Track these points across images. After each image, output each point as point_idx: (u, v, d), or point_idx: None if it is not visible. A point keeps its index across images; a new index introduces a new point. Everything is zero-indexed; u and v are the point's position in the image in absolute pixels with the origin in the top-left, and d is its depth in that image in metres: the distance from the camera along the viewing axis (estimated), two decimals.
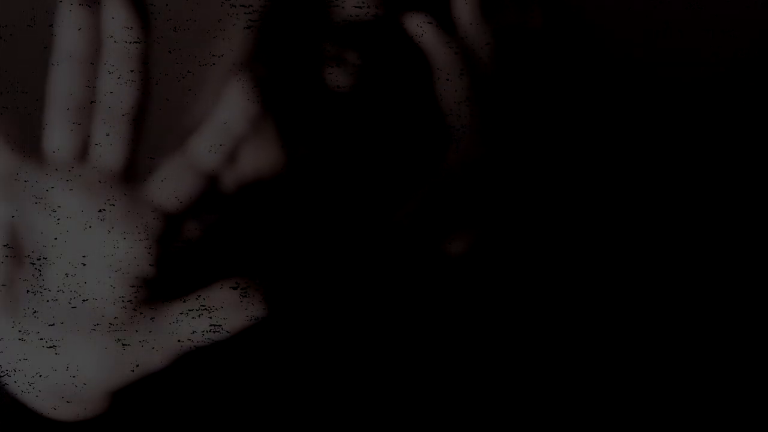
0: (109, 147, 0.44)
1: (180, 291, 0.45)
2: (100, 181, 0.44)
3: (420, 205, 0.61)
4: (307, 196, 0.63)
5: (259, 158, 0.63)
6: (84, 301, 0.44)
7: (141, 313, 0.45)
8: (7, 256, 0.45)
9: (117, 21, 0.42)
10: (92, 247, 0.44)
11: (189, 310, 0.44)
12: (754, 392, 0.74)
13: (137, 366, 0.45)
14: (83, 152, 0.44)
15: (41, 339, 0.45)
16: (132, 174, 0.45)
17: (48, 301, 0.44)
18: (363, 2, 0.64)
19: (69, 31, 0.43)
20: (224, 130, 0.43)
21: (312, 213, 0.63)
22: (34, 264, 0.45)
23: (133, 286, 0.44)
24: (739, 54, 0.79)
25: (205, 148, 0.43)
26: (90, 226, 0.44)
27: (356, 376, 0.61)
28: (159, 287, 0.45)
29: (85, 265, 0.44)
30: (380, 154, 0.63)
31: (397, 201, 0.62)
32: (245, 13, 0.62)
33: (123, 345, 0.44)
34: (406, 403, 0.60)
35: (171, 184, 0.44)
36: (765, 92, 0.79)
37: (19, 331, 0.45)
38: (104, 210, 0.44)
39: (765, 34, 0.79)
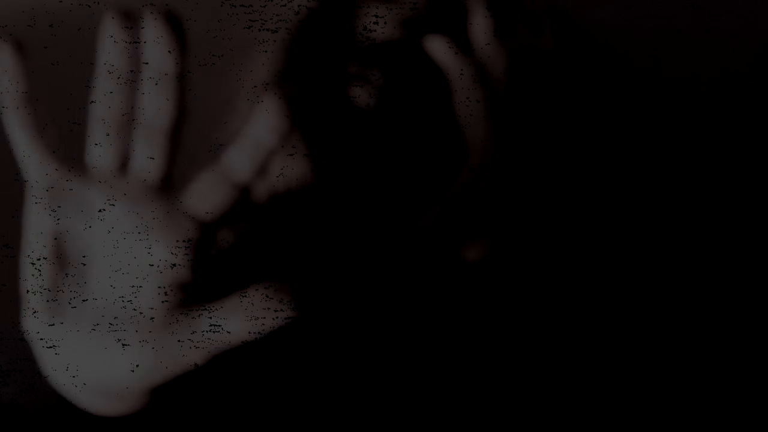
0: (148, 160, 0.44)
1: (214, 295, 0.45)
2: (139, 192, 0.44)
3: (439, 213, 0.61)
4: (333, 205, 0.62)
5: (288, 170, 0.63)
6: (124, 304, 0.44)
7: (178, 315, 0.44)
8: (51, 263, 0.44)
9: (155, 41, 0.42)
10: (132, 254, 0.44)
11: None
12: (756, 393, 0.73)
13: (175, 364, 0.44)
14: (123, 165, 0.44)
15: (83, 340, 0.44)
16: (169, 185, 0.45)
17: (90, 305, 0.44)
18: (385, 25, 0.64)
19: (110, 50, 0.43)
20: (256, 144, 0.43)
21: (338, 221, 0.62)
22: (76, 270, 0.44)
23: (170, 291, 0.44)
24: (748, 73, 0.78)
25: (238, 161, 0.43)
26: (129, 235, 0.44)
27: (379, 377, 0.60)
28: (194, 291, 0.45)
29: (125, 271, 0.44)
30: (401, 167, 0.63)
31: (418, 210, 0.62)
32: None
33: (160, 345, 0.44)
34: (425, 404, 0.60)
35: (206, 195, 0.44)
36: None
37: (64, 332, 0.45)
38: (143, 219, 0.43)
39: None
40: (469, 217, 0.61)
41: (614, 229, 0.74)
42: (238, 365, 0.59)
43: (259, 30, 0.64)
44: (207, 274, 0.45)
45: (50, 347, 0.45)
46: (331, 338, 0.61)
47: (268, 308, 0.43)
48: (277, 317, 0.43)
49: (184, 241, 0.44)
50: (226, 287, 0.45)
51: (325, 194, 0.62)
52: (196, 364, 0.44)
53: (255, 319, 0.43)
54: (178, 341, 0.44)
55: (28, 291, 0.45)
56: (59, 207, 0.44)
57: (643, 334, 0.68)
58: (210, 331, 0.44)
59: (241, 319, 0.43)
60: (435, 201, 0.61)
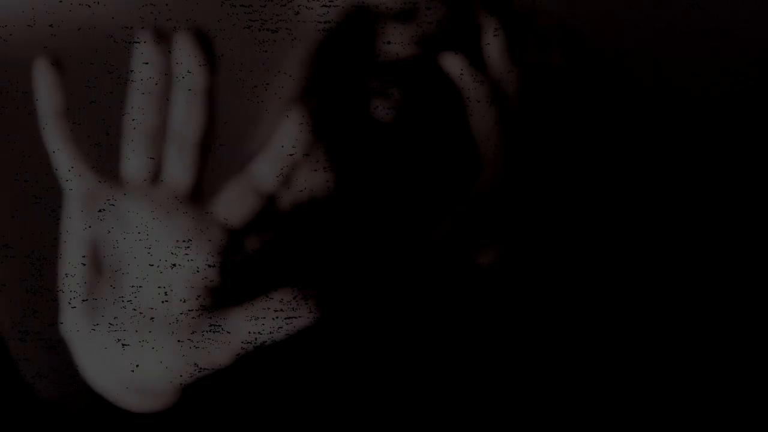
0: (179, 170, 0.44)
1: (241, 298, 0.44)
2: (170, 201, 0.44)
3: (454, 221, 0.60)
4: (354, 214, 0.62)
5: (311, 181, 0.63)
6: (156, 306, 0.44)
7: (207, 317, 0.44)
8: (87, 266, 0.44)
9: (186, 57, 0.42)
10: (163, 259, 0.44)
11: (250, 315, 0.43)
12: (759, 394, 0.72)
13: (203, 364, 0.44)
14: (156, 174, 0.45)
15: (117, 340, 0.44)
16: (199, 194, 0.45)
17: (124, 306, 0.44)
18: (404, 43, 0.64)
19: (142, 66, 0.43)
20: (281, 155, 0.42)
21: (358, 229, 0.62)
22: (111, 275, 0.44)
23: (199, 294, 0.44)
24: (748, 72, 0.77)
25: (264, 171, 0.43)
26: (161, 240, 0.44)
27: (395, 377, 0.60)
28: (223, 294, 0.45)
29: (155, 276, 0.44)
30: (419, 177, 0.63)
31: (434, 218, 0.62)
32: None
33: (190, 345, 0.44)
34: (439, 405, 0.59)
35: (234, 203, 0.44)
36: None
37: (97, 333, 0.45)
38: (174, 227, 0.43)
39: None
40: (483, 224, 0.60)
41: (624, 236, 0.73)
42: (262, 366, 0.59)
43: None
44: (234, 278, 0.45)
45: (85, 348, 0.45)
46: (349, 340, 0.61)
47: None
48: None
49: (213, 246, 0.44)
50: (252, 291, 0.45)
51: (346, 203, 0.62)
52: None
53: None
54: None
55: (65, 295, 0.45)
56: (94, 215, 0.44)
57: (654, 339, 0.67)
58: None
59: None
60: (450, 209, 0.61)
